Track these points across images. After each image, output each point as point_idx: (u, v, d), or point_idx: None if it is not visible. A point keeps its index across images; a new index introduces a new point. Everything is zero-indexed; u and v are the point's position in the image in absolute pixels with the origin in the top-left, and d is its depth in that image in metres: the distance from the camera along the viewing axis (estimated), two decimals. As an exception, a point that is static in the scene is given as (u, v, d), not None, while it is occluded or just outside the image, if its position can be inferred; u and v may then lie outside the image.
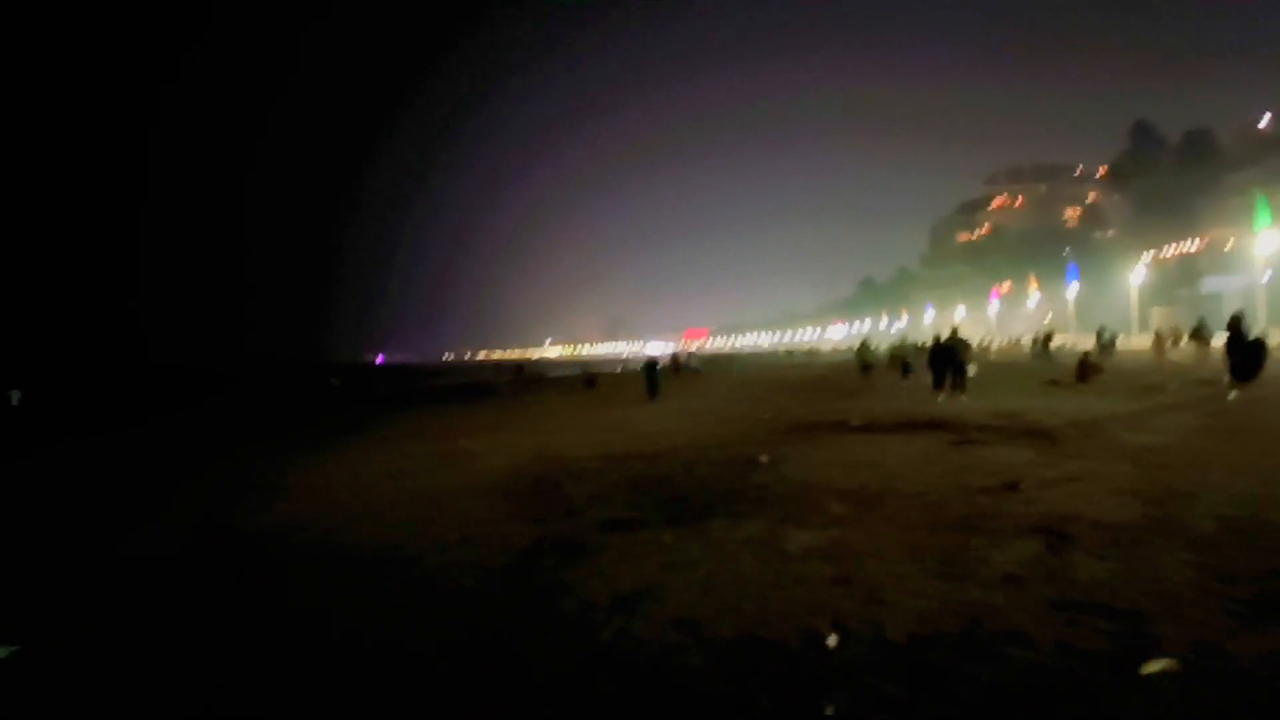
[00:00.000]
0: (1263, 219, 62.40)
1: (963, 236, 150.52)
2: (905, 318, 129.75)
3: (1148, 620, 4.24)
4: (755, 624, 4.55)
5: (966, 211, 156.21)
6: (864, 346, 26.18)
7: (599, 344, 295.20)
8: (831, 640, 4.22)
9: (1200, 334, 29.48)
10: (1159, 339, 31.76)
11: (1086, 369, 23.95)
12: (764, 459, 10.81)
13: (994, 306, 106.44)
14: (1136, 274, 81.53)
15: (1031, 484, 8.16)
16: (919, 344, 26.30)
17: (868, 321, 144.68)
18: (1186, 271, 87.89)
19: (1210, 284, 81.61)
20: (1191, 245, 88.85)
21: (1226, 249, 79.85)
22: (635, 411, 21.97)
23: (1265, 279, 62.79)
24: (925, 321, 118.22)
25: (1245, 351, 16.37)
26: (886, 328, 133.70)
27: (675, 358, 53.91)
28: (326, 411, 33.33)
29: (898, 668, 3.87)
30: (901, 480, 8.87)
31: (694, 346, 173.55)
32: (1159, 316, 79.89)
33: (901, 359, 25.48)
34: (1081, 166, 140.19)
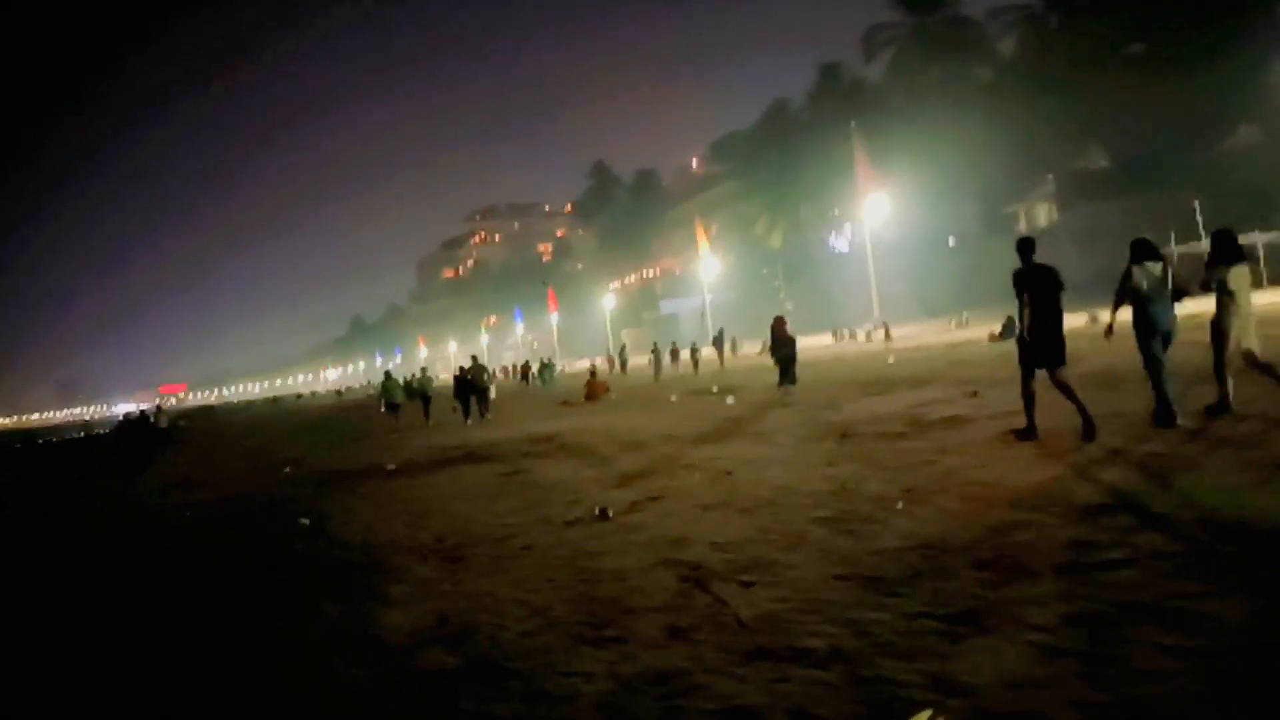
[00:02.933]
0: (703, 247, 71.57)
1: (448, 272, 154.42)
2: (399, 354, 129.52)
3: (861, 660, 3.61)
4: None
5: (450, 248, 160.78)
6: (389, 382, 24.27)
7: (52, 411, 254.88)
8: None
9: (718, 344, 33.04)
10: (656, 356, 34.31)
11: (595, 388, 24.92)
12: (305, 521, 9.09)
13: (484, 338, 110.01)
14: (606, 300, 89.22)
15: (619, 509, 7.55)
16: (434, 376, 25.20)
17: (364, 363, 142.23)
18: (647, 296, 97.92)
19: (667, 306, 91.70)
20: (649, 273, 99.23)
21: (678, 274, 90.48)
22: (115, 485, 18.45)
23: (709, 299, 72.12)
24: (419, 357, 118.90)
25: (787, 355, 17.14)
26: (382, 365, 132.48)
27: (145, 415, 46.45)
28: None
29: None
30: (476, 525, 7.79)
31: (170, 402, 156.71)
32: (628, 337, 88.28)
33: (421, 392, 24.26)
34: (549, 205, 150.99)
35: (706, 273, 71.06)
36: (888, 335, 38.49)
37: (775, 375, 17.52)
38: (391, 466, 13.61)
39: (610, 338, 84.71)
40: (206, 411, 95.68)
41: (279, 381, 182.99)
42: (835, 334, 49.79)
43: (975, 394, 12.79)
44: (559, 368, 49.41)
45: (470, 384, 22.09)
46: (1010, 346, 9.53)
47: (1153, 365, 8.12)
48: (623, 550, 6.04)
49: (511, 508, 8.45)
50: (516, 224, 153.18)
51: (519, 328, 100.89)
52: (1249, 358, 7.95)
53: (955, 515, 5.89)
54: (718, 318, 65.57)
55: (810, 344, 49.25)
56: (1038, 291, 8.03)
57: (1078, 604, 3.93)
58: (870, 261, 49.54)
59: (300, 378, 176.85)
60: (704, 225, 72.07)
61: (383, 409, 24.22)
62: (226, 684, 4.48)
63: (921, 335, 38.71)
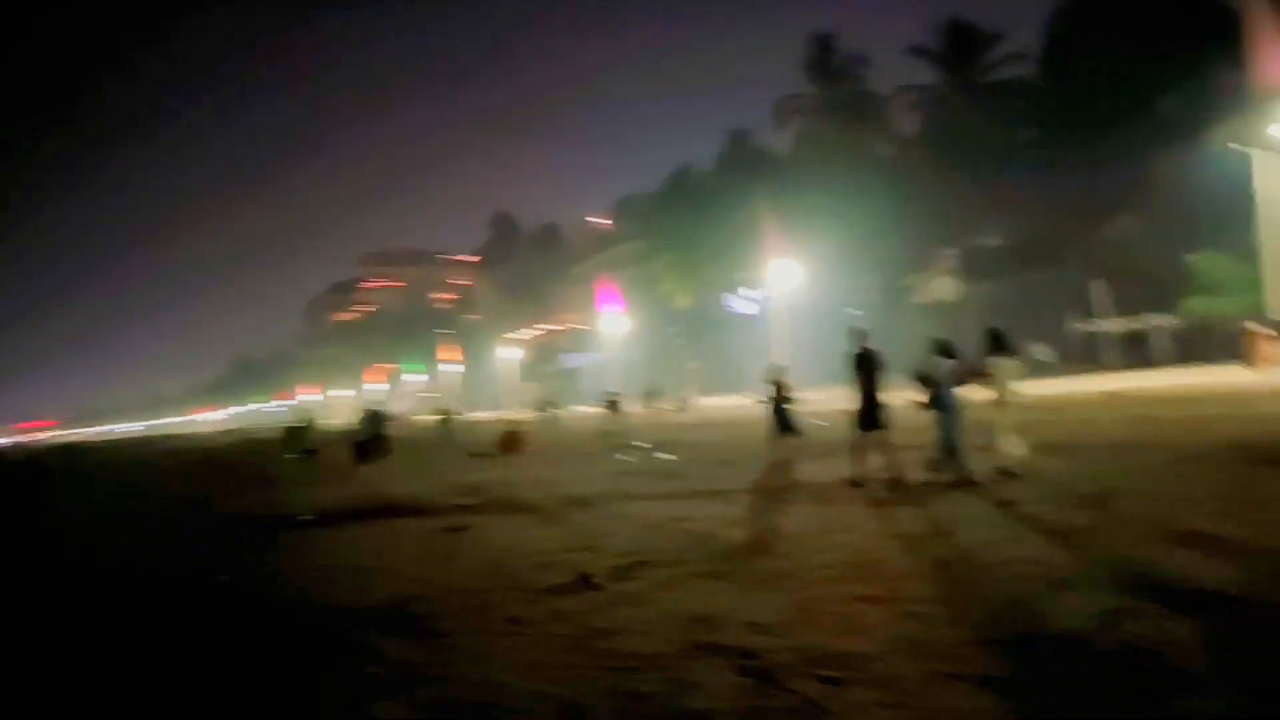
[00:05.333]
0: (608, 304, 71.49)
1: (339, 316, 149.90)
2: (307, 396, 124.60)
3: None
4: None
5: (341, 292, 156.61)
6: (302, 423, 22.00)
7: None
8: None
9: (649, 399, 32.02)
10: (612, 404, 33.39)
11: (512, 440, 23.77)
12: (224, 578, 7.83)
13: (376, 385, 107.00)
14: (507, 352, 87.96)
15: (602, 575, 6.60)
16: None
17: (244, 405, 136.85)
18: (548, 350, 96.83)
19: (568, 360, 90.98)
20: (551, 327, 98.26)
21: (580, 329, 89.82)
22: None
23: (610, 355, 71.79)
24: (306, 401, 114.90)
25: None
26: (259, 408, 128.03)
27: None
28: None
29: None
30: (438, 590, 6.70)
31: (36, 438, 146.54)
32: (530, 391, 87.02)
33: (358, 438, 21.56)
34: (449, 253, 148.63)
35: (610, 329, 70.69)
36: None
37: (700, 434, 16.79)
38: (307, 516, 12.27)
39: (511, 390, 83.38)
40: (68, 449, 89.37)
41: (156, 420, 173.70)
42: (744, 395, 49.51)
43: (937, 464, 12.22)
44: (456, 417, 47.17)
45: (370, 431, 20.90)
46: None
47: (942, 436, 10.20)
48: (639, 629, 5.11)
49: (472, 569, 7.40)
50: (414, 270, 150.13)
51: (414, 377, 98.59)
52: (1009, 439, 10.11)
53: (1016, 598, 5.16)
54: (622, 374, 65.05)
55: (720, 404, 49.16)
56: (867, 371, 10.33)
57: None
58: (775, 326, 49.95)
59: (179, 417, 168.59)
60: (608, 282, 71.90)
61: (294, 453, 21.87)
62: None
63: (833, 401, 38.64)
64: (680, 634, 4.92)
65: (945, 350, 10.25)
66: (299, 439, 21.55)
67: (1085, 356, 42.54)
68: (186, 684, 4.92)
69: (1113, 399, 22.81)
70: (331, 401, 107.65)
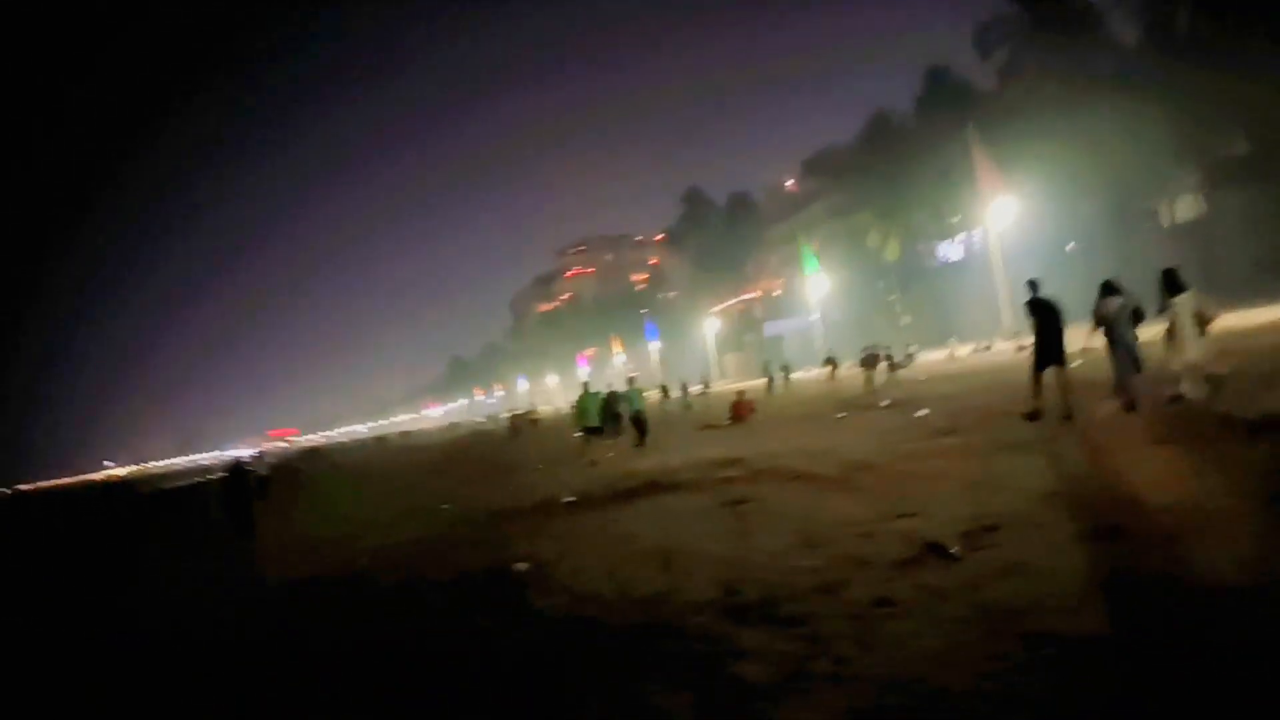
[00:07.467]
0: (809, 265, 69.35)
1: (542, 307, 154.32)
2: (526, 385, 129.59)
3: None
4: None
5: (543, 284, 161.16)
6: (585, 399, 20.82)
7: (173, 459, 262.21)
8: None
9: (869, 362, 30.11)
10: (833, 369, 33.75)
11: (742, 409, 23.09)
12: (522, 566, 7.48)
13: (583, 369, 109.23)
14: (708, 325, 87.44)
15: (954, 544, 5.69)
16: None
17: (465, 399, 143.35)
18: (748, 319, 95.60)
19: (771, 328, 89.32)
20: (748, 296, 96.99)
21: (778, 295, 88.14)
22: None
23: (815, 317, 69.71)
24: (520, 391, 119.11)
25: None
26: (486, 401, 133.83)
27: (240, 463, 37.64)
28: None
29: None
30: (762, 570, 5.98)
31: (283, 445, 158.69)
32: (734, 362, 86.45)
33: (628, 414, 20.88)
34: (640, 234, 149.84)
35: (814, 291, 68.54)
36: (1021, 346, 35.55)
37: (941, 388, 15.45)
38: (570, 499, 11.96)
39: (714, 362, 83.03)
40: (313, 453, 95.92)
41: (383, 421, 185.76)
42: (953, 345, 46.92)
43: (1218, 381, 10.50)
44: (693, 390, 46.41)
45: (615, 404, 20.57)
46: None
47: (1117, 370, 10.88)
48: (1051, 605, 4.17)
49: (785, 546, 6.63)
50: (609, 255, 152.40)
51: (620, 356, 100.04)
52: (1193, 368, 10.40)
53: None
54: (827, 336, 63.18)
55: (939, 357, 46.70)
56: (1046, 316, 11.20)
57: None
58: (1001, 269, 46.80)
59: (403, 416, 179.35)
60: (805, 243, 69.64)
61: (578, 432, 20.86)
62: None
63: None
64: (1114, 610, 3.96)
65: (1113, 289, 10.88)
66: (586, 416, 20.06)
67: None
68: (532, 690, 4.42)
69: None
70: (540, 389, 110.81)
